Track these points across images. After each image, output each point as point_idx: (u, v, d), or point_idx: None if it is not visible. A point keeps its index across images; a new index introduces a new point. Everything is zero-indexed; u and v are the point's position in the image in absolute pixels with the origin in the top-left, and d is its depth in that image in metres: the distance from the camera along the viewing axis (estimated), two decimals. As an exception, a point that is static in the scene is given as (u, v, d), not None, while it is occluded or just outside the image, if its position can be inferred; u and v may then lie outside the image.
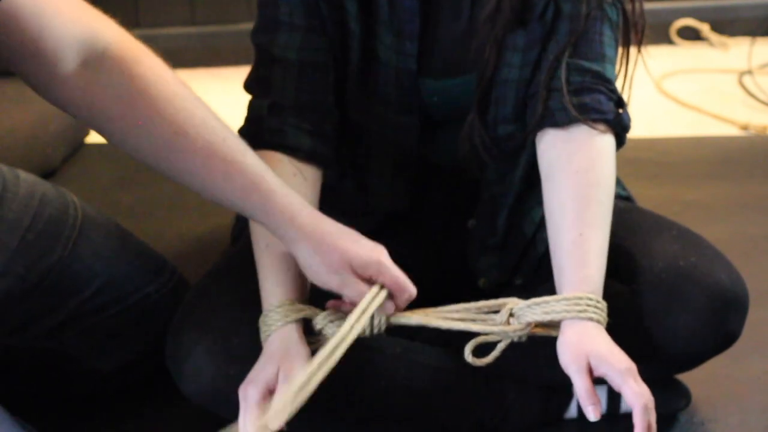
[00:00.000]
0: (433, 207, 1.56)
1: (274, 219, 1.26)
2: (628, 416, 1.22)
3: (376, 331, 1.30)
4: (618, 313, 1.37)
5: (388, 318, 1.30)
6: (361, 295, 1.26)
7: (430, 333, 1.45)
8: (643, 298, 1.40)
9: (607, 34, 1.41)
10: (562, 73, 1.39)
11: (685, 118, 2.78)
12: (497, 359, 1.33)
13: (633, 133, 1.44)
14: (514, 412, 1.52)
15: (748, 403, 1.62)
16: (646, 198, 1.85)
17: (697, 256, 1.42)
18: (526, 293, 1.39)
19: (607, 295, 1.31)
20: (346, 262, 1.26)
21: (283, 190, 1.26)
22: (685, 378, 1.58)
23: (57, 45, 1.15)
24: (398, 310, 1.30)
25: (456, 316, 1.31)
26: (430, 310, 1.31)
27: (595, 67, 1.40)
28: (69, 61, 1.17)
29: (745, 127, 2.70)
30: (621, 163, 1.43)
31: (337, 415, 1.41)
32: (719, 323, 1.39)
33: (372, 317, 1.28)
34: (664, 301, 1.39)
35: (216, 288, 1.42)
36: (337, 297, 1.31)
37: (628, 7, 1.41)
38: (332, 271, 1.26)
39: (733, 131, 2.69)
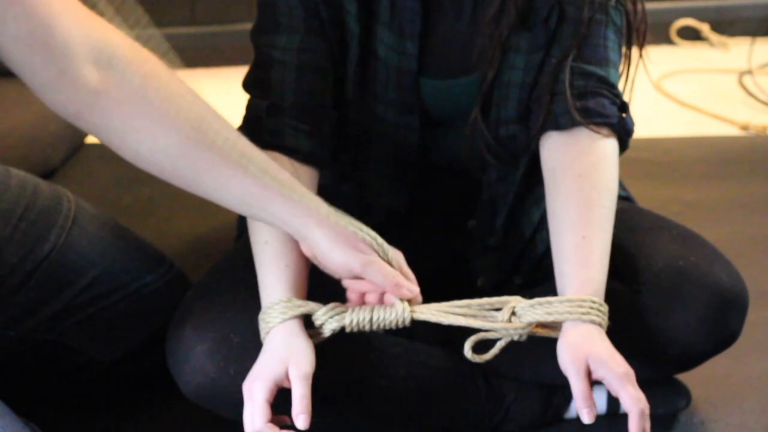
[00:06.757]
0: (433, 207, 1.56)
1: (288, 210, 1.25)
2: (627, 417, 1.22)
3: (400, 323, 1.28)
4: (618, 312, 1.37)
5: (412, 311, 1.28)
6: (386, 276, 1.26)
7: (429, 332, 1.45)
8: (643, 298, 1.40)
9: (612, 39, 1.41)
10: (566, 76, 1.39)
11: (684, 118, 2.78)
12: (497, 358, 1.32)
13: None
14: (514, 412, 1.52)
15: (748, 403, 1.62)
16: (646, 198, 1.85)
17: (696, 256, 1.42)
18: (525, 293, 1.38)
19: (606, 295, 1.31)
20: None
21: (293, 183, 1.26)
22: (685, 378, 1.58)
23: (67, 40, 1.13)
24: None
25: (458, 311, 1.31)
26: (433, 306, 1.31)
27: (599, 71, 1.40)
28: (79, 58, 1.15)
29: (745, 127, 2.70)
30: (621, 163, 1.43)
31: (337, 414, 1.41)
32: (719, 323, 1.39)
33: (397, 311, 1.28)
34: (664, 301, 1.39)
35: (216, 287, 1.42)
36: (338, 295, 1.31)
37: (630, 8, 1.41)
38: (355, 250, 1.26)
39: (733, 131, 2.69)
